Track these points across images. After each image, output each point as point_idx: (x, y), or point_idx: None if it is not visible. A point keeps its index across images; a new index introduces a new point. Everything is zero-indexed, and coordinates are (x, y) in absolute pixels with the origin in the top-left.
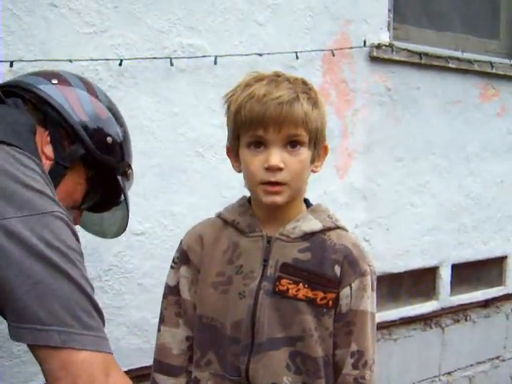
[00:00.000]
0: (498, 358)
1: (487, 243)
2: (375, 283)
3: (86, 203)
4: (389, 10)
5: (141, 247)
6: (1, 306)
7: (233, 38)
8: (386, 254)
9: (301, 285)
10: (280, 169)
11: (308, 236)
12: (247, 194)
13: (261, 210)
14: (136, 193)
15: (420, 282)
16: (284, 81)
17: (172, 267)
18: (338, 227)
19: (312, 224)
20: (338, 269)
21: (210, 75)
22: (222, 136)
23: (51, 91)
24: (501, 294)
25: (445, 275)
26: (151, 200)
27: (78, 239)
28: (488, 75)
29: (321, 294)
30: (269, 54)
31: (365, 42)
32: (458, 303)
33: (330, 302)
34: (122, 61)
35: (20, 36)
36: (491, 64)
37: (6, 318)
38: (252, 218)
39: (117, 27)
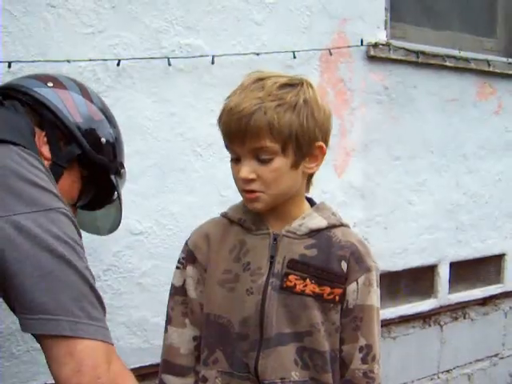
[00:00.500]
0: (496, 355)
1: (485, 241)
2: (379, 279)
3: (81, 201)
4: (385, 9)
5: (140, 247)
6: (10, 299)
7: (230, 38)
8: (385, 252)
9: (308, 280)
10: (252, 179)
11: (314, 233)
12: None
13: None
14: (134, 192)
15: (418, 280)
16: (258, 88)
17: (178, 267)
18: (342, 225)
19: (317, 221)
20: (344, 264)
21: (207, 75)
22: (219, 135)
23: (47, 94)
24: (499, 291)
25: (443, 273)
26: (150, 199)
27: (80, 234)
28: (485, 73)
29: (328, 290)
30: (266, 53)
31: (362, 41)
32: (457, 301)
33: (337, 298)
34: (119, 61)
35: (18, 37)
36: (488, 62)
37: (14, 311)
38: (257, 216)
39: (114, 27)
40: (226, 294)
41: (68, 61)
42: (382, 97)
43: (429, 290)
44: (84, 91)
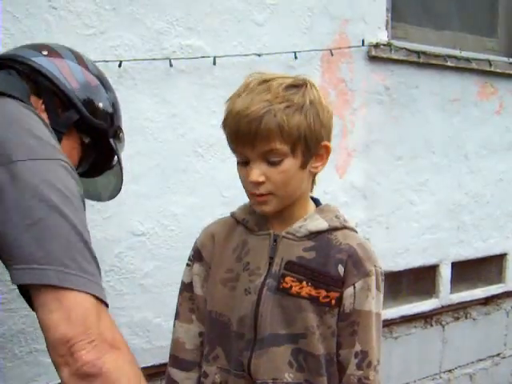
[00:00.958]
0: (498, 355)
1: (487, 241)
2: (382, 284)
3: (82, 167)
4: (387, 9)
5: (142, 248)
6: (1, 250)
7: (231, 39)
8: (386, 252)
9: (304, 283)
10: (261, 182)
11: (314, 235)
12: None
13: None
14: (136, 193)
15: (420, 280)
16: (264, 90)
17: (187, 265)
18: (345, 227)
19: (318, 223)
20: (341, 268)
21: (209, 76)
22: (221, 136)
23: (43, 62)
24: (501, 291)
25: (445, 273)
26: (152, 200)
27: (81, 187)
28: (486, 73)
29: (323, 293)
30: (268, 54)
31: (363, 42)
32: (458, 301)
33: (333, 301)
34: (121, 62)
35: (20, 38)
36: (489, 62)
37: (5, 263)
38: (261, 217)
39: (116, 29)
40: (227, 293)
41: None
42: (383, 97)
43: (430, 290)
44: (79, 59)
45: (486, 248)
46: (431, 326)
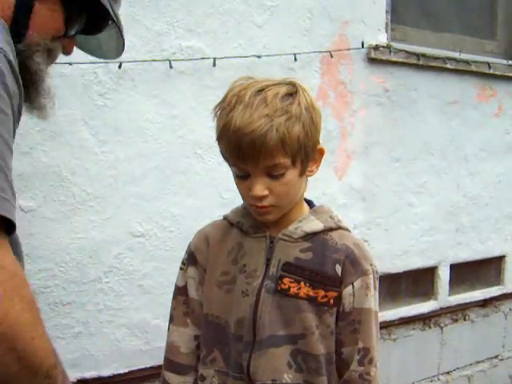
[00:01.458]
0: (496, 357)
1: (485, 243)
2: (377, 282)
3: (72, 29)
4: (386, 12)
5: (141, 249)
6: None
7: (231, 40)
8: (385, 254)
9: (302, 283)
10: (264, 196)
11: (310, 236)
12: None
13: None
14: (136, 194)
15: (419, 281)
16: (261, 103)
17: (181, 268)
18: (339, 227)
19: (313, 224)
20: (338, 268)
21: (208, 77)
22: None
23: None
24: (499, 293)
25: (443, 275)
26: (151, 202)
27: (18, 84)
28: (485, 76)
29: (322, 293)
30: (267, 55)
31: (363, 44)
32: (457, 303)
33: (331, 301)
34: (121, 63)
35: None
36: (488, 64)
37: None
38: (255, 219)
39: None
40: (223, 296)
41: (70, 63)
42: (382, 99)
43: (429, 292)
44: None
45: (485, 250)
46: (430, 327)
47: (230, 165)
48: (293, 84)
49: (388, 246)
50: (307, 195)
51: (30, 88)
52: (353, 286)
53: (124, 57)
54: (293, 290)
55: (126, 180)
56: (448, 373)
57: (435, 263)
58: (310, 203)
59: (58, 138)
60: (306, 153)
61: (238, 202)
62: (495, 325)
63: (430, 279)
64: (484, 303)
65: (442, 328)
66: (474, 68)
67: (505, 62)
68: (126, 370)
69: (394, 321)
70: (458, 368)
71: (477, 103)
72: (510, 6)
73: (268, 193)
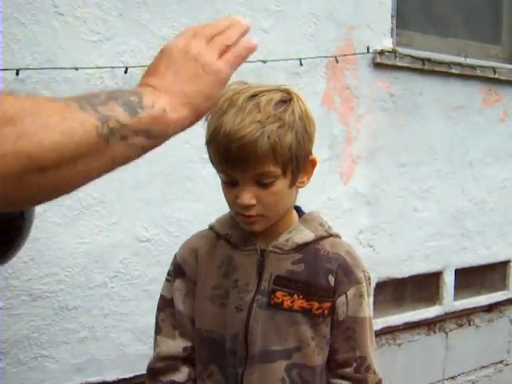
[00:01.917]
0: (501, 362)
1: (490, 248)
2: (370, 288)
3: None
4: (392, 16)
5: (146, 254)
6: None
7: None
8: (390, 259)
9: (295, 296)
10: (252, 205)
11: (301, 247)
12: None
13: None
14: (141, 199)
15: (424, 286)
16: (254, 109)
17: (168, 280)
18: (330, 235)
19: (304, 235)
20: (331, 278)
21: None
22: None
23: None
24: (504, 298)
25: (448, 280)
26: (157, 207)
27: None
28: (490, 80)
29: (316, 304)
30: (273, 60)
31: (368, 49)
32: (462, 308)
33: (326, 312)
34: (127, 68)
35: (26, 44)
36: (494, 69)
37: None
38: (244, 231)
39: (122, 35)
40: (216, 310)
41: (76, 68)
42: (387, 104)
43: (434, 297)
44: None
45: (490, 255)
46: (434, 332)
47: (218, 171)
48: (288, 91)
49: (393, 251)
50: (313, 201)
51: None
52: (346, 296)
53: (130, 61)
54: (286, 304)
55: (132, 185)
56: (453, 378)
57: (440, 268)
58: (298, 210)
59: None
60: (297, 163)
61: None
62: (500, 330)
63: (434, 284)
64: (489, 308)
65: (446, 333)
66: (479, 73)
67: (510, 66)
68: (131, 375)
69: (398, 326)
70: (462, 373)
71: (482, 108)
72: None
73: (256, 202)
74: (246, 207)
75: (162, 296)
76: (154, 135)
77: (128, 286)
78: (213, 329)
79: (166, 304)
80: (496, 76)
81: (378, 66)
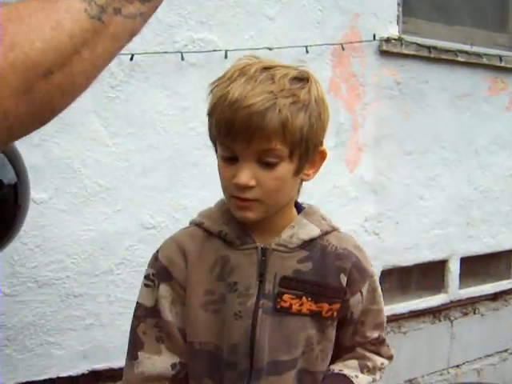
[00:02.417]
0: (506, 350)
1: (496, 236)
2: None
3: None
4: (398, 4)
5: (152, 241)
6: None
7: (243, 32)
8: (396, 247)
9: (304, 298)
10: (251, 186)
11: (306, 244)
12: None
13: None
14: (147, 186)
15: (429, 275)
16: (267, 79)
17: (147, 285)
18: (334, 229)
19: (309, 230)
20: (343, 278)
21: (220, 69)
22: None
23: None
24: (509, 287)
25: (454, 268)
26: (163, 194)
27: None
28: (497, 69)
29: (326, 306)
30: (279, 48)
31: (374, 36)
32: (467, 296)
33: (335, 314)
34: (133, 55)
35: None
36: (500, 57)
37: None
38: (240, 227)
39: None
40: (210, 318)
41: None
42: (394, 92)
43: (439, 285)
44: None
45: (495, 243)
46: (440, 321)
47: (218, 144)
48: (305, 71)
49: (399, 239)
50: (318, 189)
51: None
52: (361, 293)
53: (136, 49)
54: (295, 307)
55: (138, 172)
56: (458, 366)
57: (446, 256)
58: (296, 204)
59: (70, 129)
60: (306, 148)
61: None
62: (505, 318)
63: (440, 272)
64: (494, 297)
65: (451, 321)
66: (485, 61)
67: None
68: None
69: (404, 314)
70: (467, 361)
71: (488, 96)
72: None
73: (255, 183)
74: (243, 188)
75: (139, 304)
76: None
77: (134, 273)
78: (206, 340)
79: (146, 313)
80: (502, 64)
81: (384, 53)
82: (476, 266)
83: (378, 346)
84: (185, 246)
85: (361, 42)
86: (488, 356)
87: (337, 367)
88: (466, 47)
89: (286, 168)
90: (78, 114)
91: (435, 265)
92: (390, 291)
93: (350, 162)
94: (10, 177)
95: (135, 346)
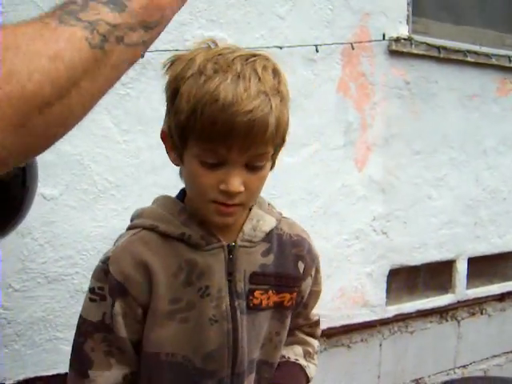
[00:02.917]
0: None
1: (503, 237)
2: None
3: None
4: (408, 4)
5: None
6: None
7: (253, 31)
8: (404, 246)
9: (270, 292)
10: (240, 191)
11: (266, 235)
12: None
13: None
14: (156, 184)
15: (436, 274)
16: (253, 76)
17: (92, 300)
18: (282, 216)
19: (269, 221)
20: (301, 265)
21: None
22: None
23: None
24: None
25: (461, 268)
26: (171, 191)
27: None
28: (506, 69)
29: (288, 296)
30: (289, 46)
31: (384, 36)
32: (474, 296)
33: (294, 302)
34: (143, 53)
35: None
36: (509, 58)
37: None
38: (202, 226)
39: None
40: (177, 328)
41: None
42: (403, 91)
43: (446, 285)
44: None
45: (503, 244)
46: (447, 321)
47: (193, 145)
48: (271, 59)
49: (406, 239)
50: (327, 188)
51: None
52: (311, 277)
53: None
54: (264, 303)
55: (147, 169)
56: (464, 366)
57: (453, 256)
58: None
59: (80, 126)
60: (282, 144)
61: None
62: None
63: (447, 272)
64: (501, 297)
65: (458, 321)
66: (494, 61)
67: None
68: None
69: (411, 313)
70: (474, 362)
71: (497, 97)
72: None
73: (243, 188)
74: (233, 195)
75: (84, 319)
76: (152, 25)
77: None
78: (174, 351)
79: (92, 329)
80: (511, 65)
81: (393, 53)
82: (483, 267)
83: (314, 327)
84: (142, 258)
85: (370, 41)
86: (495, 356)
87: (289, 354)
88: (476, 47)
89: (267, 167)
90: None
91: (443, 265)
92: (397, 290)
93: (359, 162)
94: None
95: (84, 363)
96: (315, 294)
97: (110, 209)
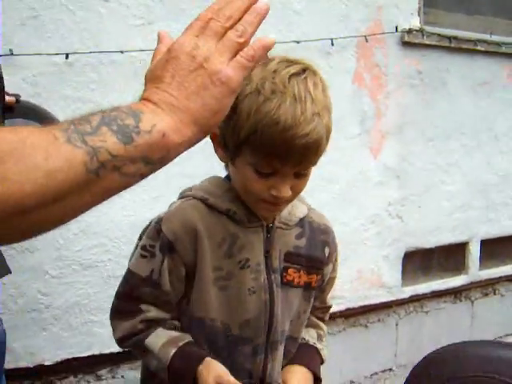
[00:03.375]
0: None
1: None
2: None
3: None
4: None
5: None
6: None
7: (272, 27)
8: (418, 230)
9: (302, 272)
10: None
11: (300, 220)
12: None
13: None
14: (182, 174)
15: (450, 256)
16: (307, 96)
17: (143, 256)
18: (310, 207)
19: (302, 208)
20: (327, 250)
21: None
22: None
23: None
24: None
25: (474, 250)
26: (197, 180)
27: None
28: None
29: (315, 277)
30: (306, 41)
31: (396, 28)
32: (487, 277)
33: (319, 283)
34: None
35: (74, 30)
36: None
37: None
38: (246, 206)
39: (163, 19)
40: (218, 294)
41: (121, 51)
42: (415, 81)
43: (460, 267)
44: None
45: None
46: (460, 301)
47: (248, 153)
48: (316, 71)
49: (421, 222)
50: (344, 175)
51: None
52: (332, 263)
53: None
54: (296, 281)
55: (174, 161)
56: None
57: (466, 239)
58: None
59: None
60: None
61: None
62: None
63: (461, 254)
64: None
65: (472, 302)
66: (504, 50)
67: None
68: None
69: (426, 294)
70: None
71: (507, 84)
72: None
73: (291, 192)
74: (281, 198)
75: (133, 274)
76: (152, 161)
77: None
78: (214, 317)
79: (141, 283)
80: None
81: (406, 44)
82: (496, 248)
83: (325, 312)
84: (192, 222)
85: (384, 33)
86: (508, 335)
87: (306, 337)
88: (486, 36)
89: (311, 170)
90: (116, 103)
91: (456, 247)
92: (412, 272)
93: (374, 149)
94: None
95: (133, 305)
96: (332, 280)
97: (140, 198)
